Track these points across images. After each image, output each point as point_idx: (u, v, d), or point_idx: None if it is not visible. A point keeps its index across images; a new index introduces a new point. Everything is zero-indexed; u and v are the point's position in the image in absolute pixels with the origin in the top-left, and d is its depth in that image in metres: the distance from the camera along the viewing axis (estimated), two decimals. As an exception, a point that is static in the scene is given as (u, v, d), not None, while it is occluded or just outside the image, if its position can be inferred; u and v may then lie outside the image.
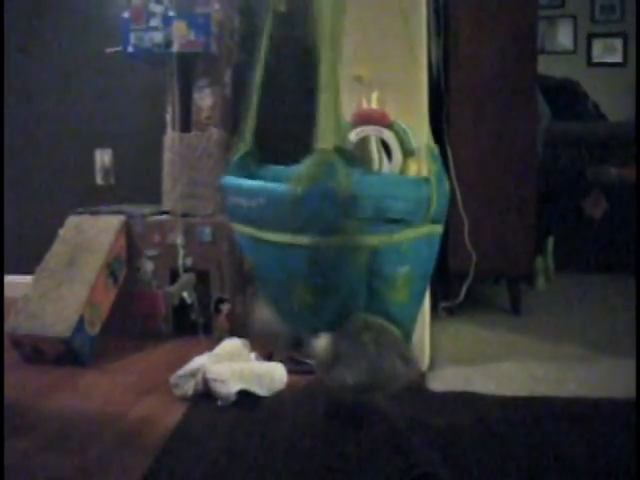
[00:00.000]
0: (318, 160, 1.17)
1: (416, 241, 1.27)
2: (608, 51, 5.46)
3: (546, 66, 4.02)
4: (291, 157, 1.61)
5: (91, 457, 1.50)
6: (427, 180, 1.31)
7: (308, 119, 1.23)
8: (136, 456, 1.49)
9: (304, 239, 1.19)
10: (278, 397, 1.79)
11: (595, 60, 5.48)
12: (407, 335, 1.32)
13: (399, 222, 1.23)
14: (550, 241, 3.27)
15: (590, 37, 5.47)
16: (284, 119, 2.38)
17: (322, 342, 1.26)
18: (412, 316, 1.34)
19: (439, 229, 1.34)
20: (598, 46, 5.47)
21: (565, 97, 3.86)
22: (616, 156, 3.30)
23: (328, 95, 1.20)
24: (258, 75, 1.49)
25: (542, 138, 2.94)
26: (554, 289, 3.10)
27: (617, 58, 5.43)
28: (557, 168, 3.35)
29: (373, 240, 1.20)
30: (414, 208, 1.26)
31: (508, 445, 1.46)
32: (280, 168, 1.54)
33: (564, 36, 5.52)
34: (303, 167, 1.19)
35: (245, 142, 1.51)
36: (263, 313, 1.44)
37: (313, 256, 1.19)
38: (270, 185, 1.30)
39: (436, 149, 1.38)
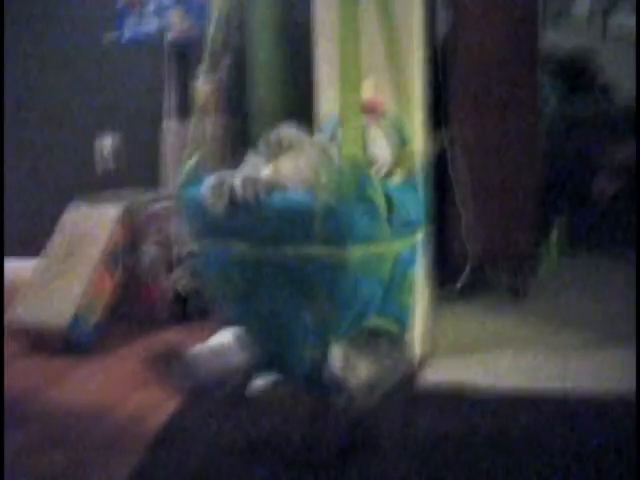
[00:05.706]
0: (349, 168, 1.08)
1: (420, 243, 1.29)
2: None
3: (562, 36, 3.95)
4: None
5: (82, 453, 1.52)
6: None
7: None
8: (127, 452, 1.50)
9: (335, 251, 1.10)
10: (269, 392, 1.79)
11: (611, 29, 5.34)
12: (405, 331, 1.33)
13: (413, 224, 1.24)
14: (555, 224, 3.23)
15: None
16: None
17: (337, 352, 1.18)
18: (411, 313, 1.34)
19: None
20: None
21: (575, 72, 3.78)
22: (625, 137, 3.23)
23: (351, 95, 1.08)
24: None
25: (548, 121, 2.89)
26: (559, 274, 3.07)
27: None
28: (564, 149, 3.29)
29: (398, 245, 1.18)
30: (422, 210, 1.28)
31: (498, 452, 1.44)
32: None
33: (581, 3, 5.38)
34: (330, 175, 1.10)
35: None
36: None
37: (342, 267, 1.11)
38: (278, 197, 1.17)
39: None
